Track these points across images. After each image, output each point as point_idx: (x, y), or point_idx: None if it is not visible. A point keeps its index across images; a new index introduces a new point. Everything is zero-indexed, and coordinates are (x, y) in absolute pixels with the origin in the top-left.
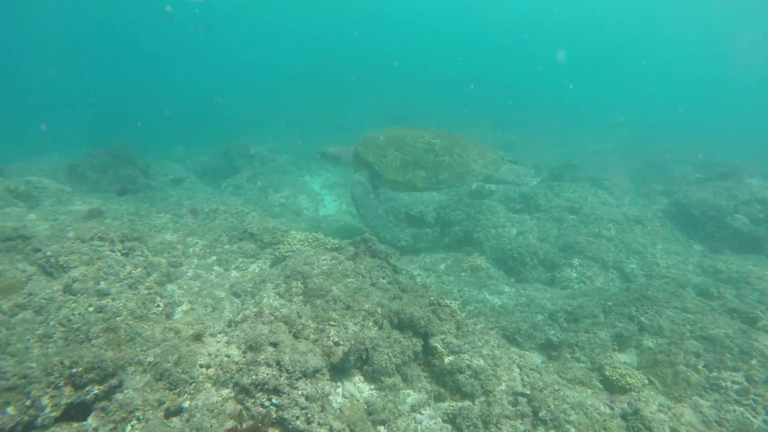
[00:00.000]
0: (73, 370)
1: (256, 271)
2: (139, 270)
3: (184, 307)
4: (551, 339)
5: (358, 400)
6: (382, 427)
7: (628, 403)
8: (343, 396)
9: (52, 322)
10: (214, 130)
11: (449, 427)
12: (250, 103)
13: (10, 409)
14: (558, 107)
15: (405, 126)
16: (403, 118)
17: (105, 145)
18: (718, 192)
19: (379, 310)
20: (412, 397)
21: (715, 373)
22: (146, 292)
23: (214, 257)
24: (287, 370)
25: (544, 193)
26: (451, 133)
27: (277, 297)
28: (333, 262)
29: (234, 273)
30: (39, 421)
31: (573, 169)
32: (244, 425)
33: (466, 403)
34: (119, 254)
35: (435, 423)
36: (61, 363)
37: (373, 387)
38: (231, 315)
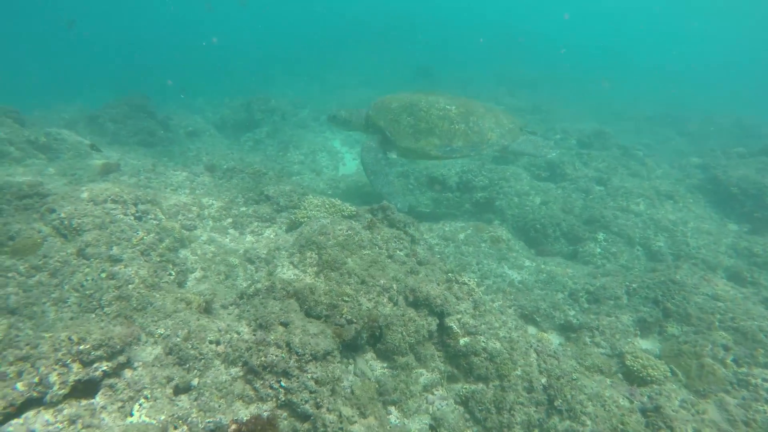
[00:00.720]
0: (81, 347)
1: (272, 236)
2: (151, 236)
3: (197, 274)
4: (571, 321)
5: (369, 379)
6: (393, 407)
7: (649, 397)
8: (354, 374)
9: (66, 287)
10: (236, 82)
11: (461, 409)
12: (274, 54)
13: (19, 385)
14: (592, 70)
15: (423, 88)
16: (429, 73)
17: (124, 95)
18: (763, 168)
19: (394, 286)
20: (425, 377)
21: (744, 369)
22: (158, 259)
23: (229, 219)
24: (297, 353)
25: (571, 162)
26: (468, 99)
27: (291, 267)
28: (349, 232)
29: (249, 237)
30: (48, 398)
31: (603, 136)
32: (252, 407)
33: (480, 386)
34: (132, 218)
35: (447, 404)
36: (69, 339)
37: (385, 365)
38: (244, 284)
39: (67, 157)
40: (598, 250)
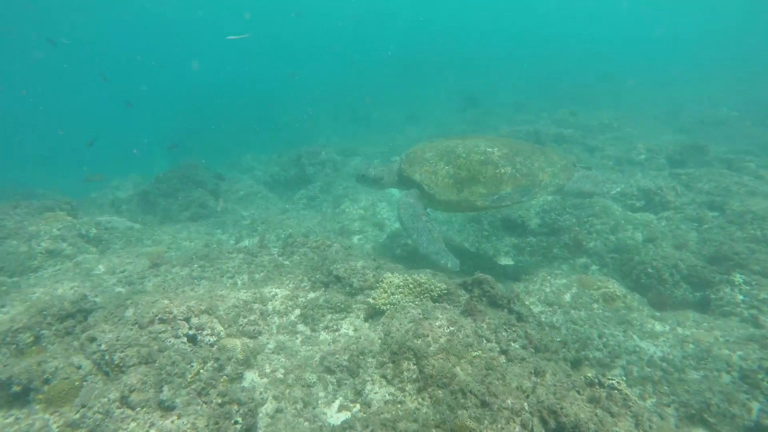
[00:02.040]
0: None
1: (350, 332)
2: (209, 365)
3: (269, 406)
4: (762, 422)
5: None
6: None
7: None
8: None
9: None
10: (281, 132)
11: None
12: (315, 97)
13: None
14: (652, 73)
15: (473, 118)
16: (475, 102)
17: (174, 168)
18: None
19: (525, 405)
20: None
21: None
22: (219, 400)
23: (297, 311)
24: None
25: (670, 186)
26: (510, 138)
27: (385, 382)
28: (451, 329)
29: (323, 335)
30: None
31: (700, 151)
32: None
33: None
34: (185, 339)
35: None
36: None
37: None
38: (330, 417)
39: (118, 246)
40: (740, 297)
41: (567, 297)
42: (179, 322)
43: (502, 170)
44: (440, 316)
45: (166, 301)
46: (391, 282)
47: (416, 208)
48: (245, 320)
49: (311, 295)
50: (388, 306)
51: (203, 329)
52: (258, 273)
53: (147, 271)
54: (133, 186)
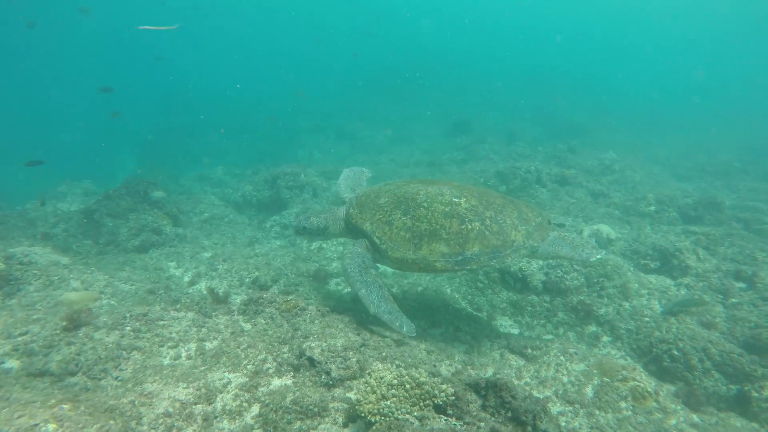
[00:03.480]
0: None
1: None
2: None
3: None
4: None
5: None
6: None
7: None
8: None
9: None
10: (259, 142)
11: None
12: (299, 105)
13: None
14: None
15: (463, 145)
16: (467, 127)
17: (125, 181)
18: None
19: None
20: None
21: None
22: None
23: (255, 409)
24: None
25: (691, 249)
26: (481, 188)
27: None
28: None
29: None
30: None
31: (716, 208)
32: None
33: None
34: None
35: None
36: None
37: None
38: None
39: (32, 289)
40: None
41: (589, 391)
42: None
43: (469, 226)
44: None
45: (69, 420)
46: (381, 378)
47: (365, 260)
48: None
49: (276, 382)
50: (377, 417)
51: None
52: (210, 341)
53: (59, 336)
54: (82, 195)
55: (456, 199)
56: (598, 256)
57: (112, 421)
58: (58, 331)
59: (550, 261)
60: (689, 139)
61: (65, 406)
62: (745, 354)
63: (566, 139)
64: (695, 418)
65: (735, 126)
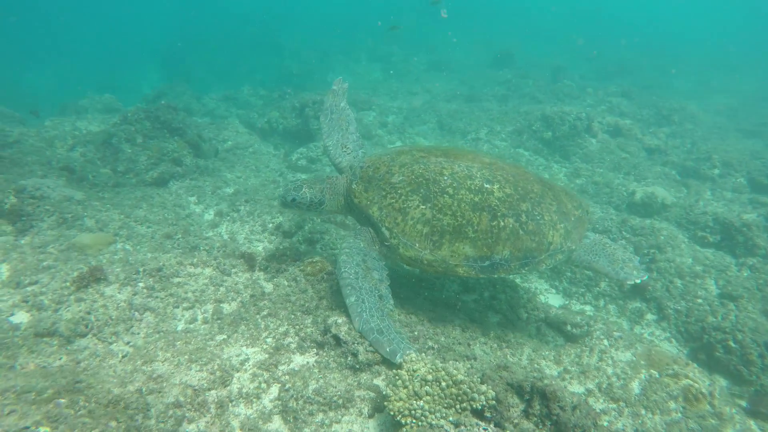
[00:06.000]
0: None
1: None
2: None
3: None
4: None
5: None
6: None
7: None
8: None
9: None
10: (290, 63)
11: None
12: (333, 24)
13: None
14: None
15: (505, 79)
16: (510, 59)
17: (147, 105)
18: None
19: None
20: None
21: None
22: None
23: (274, 391)
24: None
25: (758, 223)
26: (516, 164)
27: None
28: None
29: None
30: None
31: None
32: None
33: None
34: None
35: None
36: None
37: None
38: None
39: (45, 227)
40: None
41: (635, 386)
42: None
43: (502, 223)
44: None
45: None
46: (414, 372)
47: (367, 258)
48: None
49: (298, 360)
50: (409, 418)
51: None
52: (228, 302)
53: (69, 290)
54: (103, 112)
55: (488, 185)
56: (638, 281)
57: (113, 423)
58: (68, 284)
59: (597, 226)
60: (761, 87)
61: (62, 401)
62: None
63: (617, 80)
64: (753, 425)
65: None
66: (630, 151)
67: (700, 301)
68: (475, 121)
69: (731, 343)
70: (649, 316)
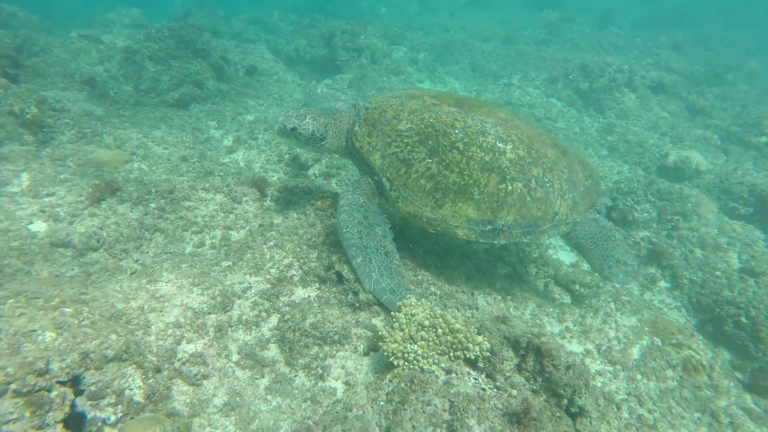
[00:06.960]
0: None
1: (339, 389)
2: None
3: None
4: None
5: None
6: None
7: None
8: None
9: None
10: None
11: None
12: None
13: None
14: None
15: (548, 20)
16: None
17: (172, 23)
18: None
19: None
20: None
21: None
22: None
23: (273, 320)
24: None
25: None
26: (531, 122)
27: None
28: None
29: (301, 379)
30: None
31: None
32: None
33: None
34: (58, 423)
35: None
36: None
37: None
38: None
39: (65, 140)
40: None
41: (635, 352)
42: (54, 384)
43: (510, 186)
44: (476, 427)
45: (34, 324)
46: (411, 315)
47: (369, 215)
48: (187, 354)
49: (299, 293)
50: (401, 361)
51: (103, 395)
52: (236, 230)
53: (83, 204)
54: (130, 27)
55: (501, 144)
56: (627, 284)
57: (113, 335)
58: (83, 198)
59: (622, 186)
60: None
61: (67, 310)
62: None
63: (671, 30)
64: (749, 399)
65: None
66: (670, 111)
67: (718, 273)
68: (509, 64)
69: (743, 319)
70: (663, 284)
